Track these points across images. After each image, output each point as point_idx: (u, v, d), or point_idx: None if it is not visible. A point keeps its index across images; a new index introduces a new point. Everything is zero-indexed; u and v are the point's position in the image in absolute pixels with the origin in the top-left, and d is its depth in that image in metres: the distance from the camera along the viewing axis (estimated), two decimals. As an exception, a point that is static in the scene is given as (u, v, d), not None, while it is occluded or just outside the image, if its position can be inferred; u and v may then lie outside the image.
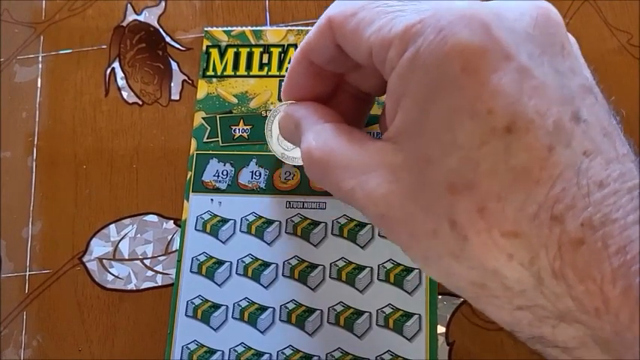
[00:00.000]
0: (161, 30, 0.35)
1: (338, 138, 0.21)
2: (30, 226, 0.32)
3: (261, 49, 0.33)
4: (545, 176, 0.16)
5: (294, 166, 0.30)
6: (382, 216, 0.19)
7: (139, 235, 0.31)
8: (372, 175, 0.19)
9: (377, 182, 0.19)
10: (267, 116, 0.32)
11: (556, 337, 0.18)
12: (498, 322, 0.19)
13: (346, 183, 0.20)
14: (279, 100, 0.32)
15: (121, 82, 0.34)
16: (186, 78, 0.34)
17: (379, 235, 0.29)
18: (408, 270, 0.29)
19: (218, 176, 0.31)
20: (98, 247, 0.31)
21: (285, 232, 0.30)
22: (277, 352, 0.28)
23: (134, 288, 0.30)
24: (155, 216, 0.31)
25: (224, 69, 0.33)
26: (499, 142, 0.17)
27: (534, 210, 0.16)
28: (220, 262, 0.30)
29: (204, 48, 0.34)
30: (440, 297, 0.28)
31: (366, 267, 0.29)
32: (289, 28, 0.34)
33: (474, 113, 0.17)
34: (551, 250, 0.16)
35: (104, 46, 0.35)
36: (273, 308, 0.29)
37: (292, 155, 0.29)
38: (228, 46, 0.33)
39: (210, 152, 0.32)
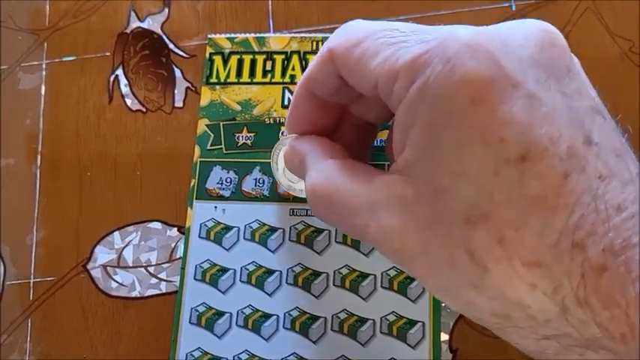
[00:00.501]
0: (164, 37, 0.35)
1: (343, 175, 0.21)
2: (34, 232, 0.32)
3: (265, 56, 0.33)
4: (562, 203, 0.16)
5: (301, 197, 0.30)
6: (397, 250, 0.19)
7: (143, 243, 0.31)
8: (382, 210, 0.19)
9: (389, 217, 0.19)
10: (270, 123, 0.32)
11: None
12: (524, 351, 0.19)
13: (357, 220, 0.20)
14: (282, 107, 0.32)
15: (125, 89, 0.34)
16: (189, 85, 0.34)
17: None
18: (412, 278, 0.29)
19: (222, 184, 0.31)
20: (102, 255, 0.31)
21: (289, 240, 0.30)
22: (281, 359, 0.28)
23: (138, 295, 0.30)
24: (159, 223, 0.31)
25: (227, 76, 0.33)
26: (512, 171, 0.17)
27: (555, 238, 0.16)
28: (224, 270, 0.30)
29: (207, 55, 0.34)
30: (443, 304, 0.28)
31: (370, 274, 0.29)
32: (292, 35, 0.34)
33: (486, 143, 0.17)
34: (575, 278, 0.16)
35: (108, 53, 0.35)
36: (277, 316, 0.29)
37: (299, 187, 0.29)
38: (232, 53, 0.34)
39: (214, 159, 0.32)
